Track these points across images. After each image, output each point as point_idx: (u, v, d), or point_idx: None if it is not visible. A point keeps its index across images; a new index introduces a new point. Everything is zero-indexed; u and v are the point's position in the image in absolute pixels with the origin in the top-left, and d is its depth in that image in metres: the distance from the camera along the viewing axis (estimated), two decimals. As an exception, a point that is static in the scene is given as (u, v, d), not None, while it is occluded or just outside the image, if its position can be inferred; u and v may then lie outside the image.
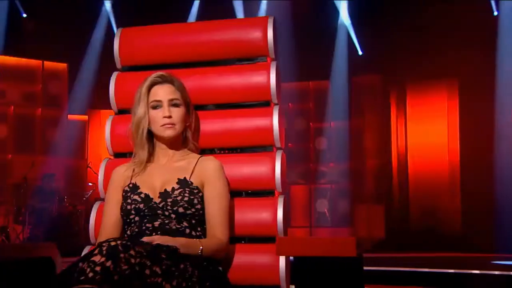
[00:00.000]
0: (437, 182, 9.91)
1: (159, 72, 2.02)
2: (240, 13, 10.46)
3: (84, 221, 9.41)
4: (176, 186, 1.97)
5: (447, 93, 9.96)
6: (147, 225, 1.93)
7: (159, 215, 1.93)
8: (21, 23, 10.02)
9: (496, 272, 5.49)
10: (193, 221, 1.96)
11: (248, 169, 2.17)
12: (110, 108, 9.38)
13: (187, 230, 1.94)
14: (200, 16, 10.68)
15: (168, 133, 1.99)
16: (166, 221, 1.92)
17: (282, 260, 2.05)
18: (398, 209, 10.22)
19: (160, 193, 1.96)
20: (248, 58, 2.25)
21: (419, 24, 9.77)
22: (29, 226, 8.71)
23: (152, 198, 1.96)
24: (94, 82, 10.31)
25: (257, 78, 2.20)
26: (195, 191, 1.98)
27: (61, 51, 10.19)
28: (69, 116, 10.52)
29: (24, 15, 10.03)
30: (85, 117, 10.68)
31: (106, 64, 10.41)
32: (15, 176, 9.58)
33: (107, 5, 10.28)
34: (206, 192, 1.99)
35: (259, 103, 2.23)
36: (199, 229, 1.98)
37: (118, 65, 2.34)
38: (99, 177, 2.20)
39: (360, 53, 10.70)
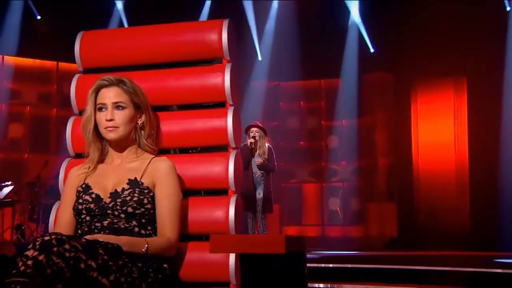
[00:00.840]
0: (445, 181, 9.85)
1: (107, 75, 2.08)
2: (250, 12, 10.52)
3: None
4: (127, 187, 2.03)
5: (456, 90, 9.88)
6: (96, 224, 1.99)
7: (109, 215, 2.00)
8: (35, 25, 10.22)
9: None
10: (143, 220, 2.02)
11: (203, 168, 2.22)
12: None
13: (136, 229, 2.00)
14: (211, 16, 10.77)
15: (111, 135, 2.05)
16: (115, 220, 1.99)
17: (232, 257, 2.10)
18: (409, 207, 10.16)
19: (110, 193, 2.03)
20: (204, 60, 2.30)
21: (430, 21, 9.70)
22: (43, 224, 8.89)
23: (103, 198, 2.02)
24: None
25: (212, 80, 2.25)
26: (146, 191, 2.03)
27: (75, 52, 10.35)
28: (83, 116, 10.67)
29: (38, 17, 10.22)
30: (99, 116, 10.83)
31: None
32: (31, 175, 9.79)
33: (119, 5, 10.42)
34: (157, 192, 2.05)
35: (215, 104, 2.27)
36: (149, 228, 2.03)
37: (80, 68, 2.41)
38: (59, 177, 2.28)
39: (371, 50, 10.65)
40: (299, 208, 10.99)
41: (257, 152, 6.88)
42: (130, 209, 2.00)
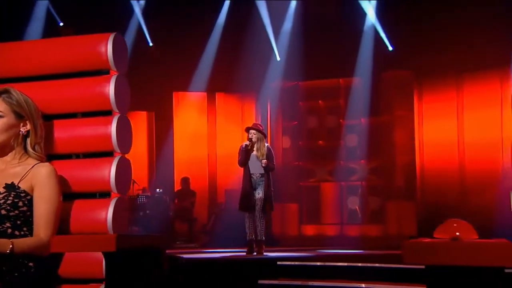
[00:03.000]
0: (463, 178, 9.68)
1: None
2: (265, 13, 10.64)
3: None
4: (2, 190, 2.21)
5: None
6: None
7: None
8: (58, 32, 10.65)
9: None
10: (18, 222, 2.19)
11: (88, 173, 2.39)
12: (140, 109, 9.76)
13: (9, 230, 2.17)
14: (229, 16, 10.95)
15: None
16: None
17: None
18: (429, 205, 10.02)
19: None
20: (93, 71, 2.46)
21: (448, 18, 9.55)
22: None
23: None
24: (129, 84, 10.76)
25: (99, 90, 2.41)
26: (22, 194, 2.20)
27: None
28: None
29: (61, 24, 10.66)
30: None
31: (136, 66, 10.87)
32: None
33: (137, 13, 10.75)
34: (34, 195, 2.21)
35: (102, 112, 2.43)
36: (25, 229, 2.20)
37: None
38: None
39: (390, 48, 10.56)
40: (318, 207, 11.01)
41: (254, 153, 6.97)
42: (3, 211, 2.17)
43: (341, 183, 10.97)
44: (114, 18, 10.63)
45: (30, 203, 2.21)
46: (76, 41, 2.49)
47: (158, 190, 10.19)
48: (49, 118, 2.44)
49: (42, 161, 2.30)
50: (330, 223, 10.96)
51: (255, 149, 6.95)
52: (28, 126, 2.27)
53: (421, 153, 10.28)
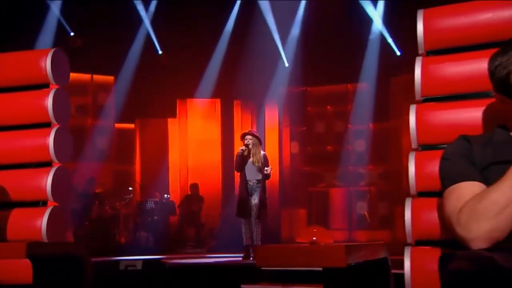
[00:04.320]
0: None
1: None
2: (271, 19, 10.71)
3: (123, 223, 10.12)
4: None
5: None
6: None
7: None
8: (69, 41, 10.90)
9: None
10: None
11: (27, 182, 2.49)
12: (157, 117, 9.85)
13: None
14: (237, 20, 11.06)
15: None
16: None
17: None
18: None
19: None
20: (34, 85, 2.57)
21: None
22: (72, 227, 9.49)
23: None
24: (139, 92, 10.97)
25: (38, 103, 2.51)
26: None
27: (107, 65, 11.00)
28: (116, 125, 11.28)
29: (72, 34, 10.90)
30: (132, 126, 11.38)
31: (145, 74, 11.01)
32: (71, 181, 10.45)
33: (146, 22, 10.94)
34: None
35: (41, 124, 2.53)
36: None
37: None
38: None
39: (398, 53, 10.52)
40: (326, 212, 11.00)
41: (250, 159, 7.04)
42: None
43: (349, 188, 10.94)
44: (123, 27, 10.85)
45: None
46: (18, 56, 2.60)
47: (166, 195, 10.33)
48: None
49: None
50: (339, 228, 10.92)
51: (251, 154, 7.02)
52: None
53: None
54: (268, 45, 10.86)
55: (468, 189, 1.61)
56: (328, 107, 11.26)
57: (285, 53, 11.10)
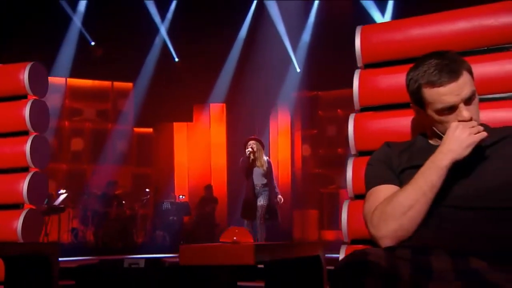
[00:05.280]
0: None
1: None
2: (282, 27, 10.78)
3: (141, 223, 10.31)
4: None
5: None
6: None
7: None
8: (90, 50, 11.17)
9: None
10: None
11: (5, 186, 2.63)
12: (174, 121, 10.08)
13: None
14: (249, 31, 11.17)
15: None
16: None
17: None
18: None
19: None
20: (13, 96, 2.70)
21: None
22: (92, 227, 9.72)
23: None
24: (157, 98, 11.16)
25: (17, 113, 2.65)
26: None
27: (127, 72, 11.23)
28: (135, 129, 11.50)
29: (92, 43, 11.16)
30: (150, 130, 11.58)
31: (162, 80, 11.16)
32: (90, 183, 10.70)
33: (163, 31, 11.14)
34: None
35: (19, 132, 2.67)
36: None
37: None
38: None
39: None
40: (337, 213, 11.00)
41: (256, 163, 7.12)
42: None
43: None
44: (141, 36, 11.06)
45: None
46: (-1, 69, 2.75)
47: (181, 196, 10.48)
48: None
49: None
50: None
51: (256, 159, 7.10)
52: None
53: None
54: (280, 51, 10.94)
55: (383, 191, 1.68)
56: (339, 111, 11.29)
57: (296, 59, 11.17)
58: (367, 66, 2.21)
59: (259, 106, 11.32)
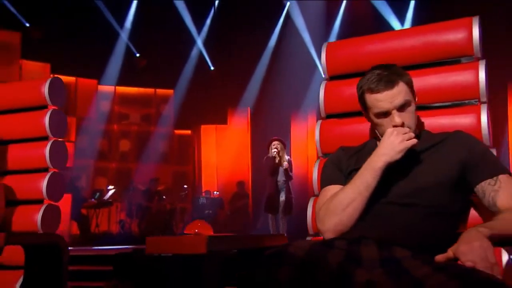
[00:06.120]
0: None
1: None
2: (308, 37, 10.77)
3: (179, 216, 10.51)
4: None
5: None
6: None
7: None
8: (135, 61, 11.46)
9: None
10: None
11: (28, 184, 2.78)
12: (211, 123, 10.28)
13: None
14: (279, 41, 11.21)
15: None
16: None
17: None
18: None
19: None
20: (36, 107, 2.86)
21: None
22: (136, 220, 9.98)
23: None
24: (195, 102, 11.35)
25: (38, 121, 2.80)
26: None
27: (167, 80, 11.48)
28: (175, 131, 11.72)
29: (137, 55, 11.45)
30: (189, 132, 11.78)
31: (198, 87, 11.31)
32: (135, 180, 10.97)
33: (199, 42, 11.33)
34: None
35: (40, 137, 2.82)
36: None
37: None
38: None
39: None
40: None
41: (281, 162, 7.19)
42: None
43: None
44: (180, 47, 11.28)
45: None
46: (23, 84, 2.91)
47: (215, 192, 10.63)
48: (5, 143, 2.88)
49: None
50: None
51: (280, 158, 7.18)
52: None
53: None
54: (305, 58, 10.95)
55: (331, 191, 1.75)
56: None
57: (321, 65, 11.15)
58: (332, 78, 2.26)
59: (284, 109, 11.36)
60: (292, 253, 1.36)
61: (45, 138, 2.82)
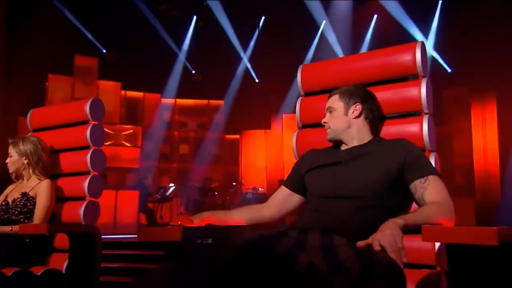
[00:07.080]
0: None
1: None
2: (339, 49, 10.72)
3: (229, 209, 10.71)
4: (20, 196, 2.92)
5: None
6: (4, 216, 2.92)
7: (9, 212, 2.91)
8: (191, 77, 11.81)
9: None
10: (28, 215, 2.89)
11: (74, 184, 3.03)
12: (256, 128, 10.57)
13: (21, 219, 2.87)
14: (316, 53, 11.21)
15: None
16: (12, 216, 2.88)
17: None
18: (485, 203, 9.32)
19: (13, 199, 2.94)
20: (80, 122, 3.11)
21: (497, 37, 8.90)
22: (190, 212, 10.26)
23: (8, 202, 2.94)
24: (242, 110, 11.56)
25: (82, 133, 3.06)
26: (30, 199, 2.89)
27: (219, 92, 11.76)
28: (226, 136, 11.97)
29: (193, 72, 11.80)
30: (237, 136, 11.99)
31: (247, 98, 11.50)
32: (194, 178, 11.30)
33: (245, 59, 11.53)
34: (37, 200, 2.89)
35: (83, 147, 3.07)
36: (32, 218, 2.89)
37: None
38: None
39: (449, 70, 10.09)
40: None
41: None
42: (19, 209, 2.89)
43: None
44: (228, 63, 11.52)
45: (34, 204, 2.89)
46: (70, 105, 3.17)
47: (260, 188, 10.77)
48: (56, 152, 3.15)
49: (42, 179, 2.96)
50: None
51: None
52: (26, 160, 2.97)
53: (477, 156, 9.64)
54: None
55: (278, 191, 2.08)
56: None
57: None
58: (307, 94, 2.35)
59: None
60: (235, 241, 1.49)
61: (87, 147, 3.06)
